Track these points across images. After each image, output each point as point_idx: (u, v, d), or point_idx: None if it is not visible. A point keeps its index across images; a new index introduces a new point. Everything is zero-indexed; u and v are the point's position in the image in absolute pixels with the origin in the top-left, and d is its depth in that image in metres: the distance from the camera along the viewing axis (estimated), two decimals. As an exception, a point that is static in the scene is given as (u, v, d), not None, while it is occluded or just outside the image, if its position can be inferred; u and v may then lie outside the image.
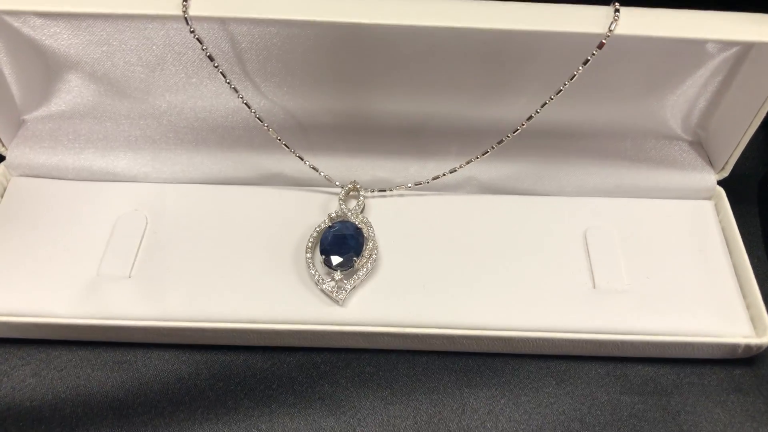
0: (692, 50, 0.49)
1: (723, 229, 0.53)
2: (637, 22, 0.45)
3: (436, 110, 0.54)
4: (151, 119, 0.54)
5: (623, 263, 0.51)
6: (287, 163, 0.54)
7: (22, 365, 0.48)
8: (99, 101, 0.54)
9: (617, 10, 0.45)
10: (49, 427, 0.45)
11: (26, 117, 0.55)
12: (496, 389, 0.47)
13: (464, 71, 0.52)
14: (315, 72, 0.52)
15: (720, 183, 0.54)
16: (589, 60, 0.46)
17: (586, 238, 0.52)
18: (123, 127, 0.54)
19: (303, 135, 0.54)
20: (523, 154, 0.54)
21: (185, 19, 0.44)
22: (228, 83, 0.49)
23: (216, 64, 0.48)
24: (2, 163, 0.54)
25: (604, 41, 0.45)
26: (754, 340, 0.47)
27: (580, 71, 0.47)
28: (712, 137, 0.54)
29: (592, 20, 0.45)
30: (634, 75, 0.51)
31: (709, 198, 0.55)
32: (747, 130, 0.50)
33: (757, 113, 0.49)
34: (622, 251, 0.51)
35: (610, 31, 0.44)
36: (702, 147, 0.56)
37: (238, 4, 0.45)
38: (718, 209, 0.54)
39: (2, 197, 0.53)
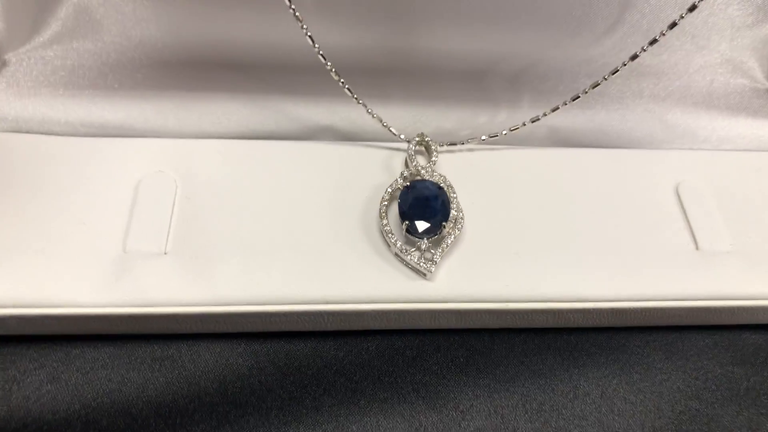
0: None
1: (813, 181, 0.49)
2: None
3: (507, 49, 0.47)
4: (173, 57, 0.44)
5: (723, 221, 0.46)
6: (339, 114, 0.46)
7: (35, 369, 0.38)
8: (105, 31, 0.43)
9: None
10: (86, 446, 0.36)
11: (8, 56, 0.43)
12: (605, 368, 0.42)
13: (541, 3, 0.45)
14: (366, 2, 0.44)
15: (805, 132, 0.50)
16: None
17: (678, 194, 0.47)
18: (135, 67, 0.44)
19: (351, 80, 0.46)
20: (605, 101, 0.48)
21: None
22: (294, 14, 0.39)
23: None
24: (-19, 114, 0.43)
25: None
26: None
27: (697, 5, 0.41)
28: (799, 84, 0.50)
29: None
30: (727, 17, 0.46)
31: (794, 148, 0.51)
32: None
33: None
34: (718, 208, 0.47)
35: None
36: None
37: None
38: (804, 160, 0.50)
39: (-16, 158, 0.42)
